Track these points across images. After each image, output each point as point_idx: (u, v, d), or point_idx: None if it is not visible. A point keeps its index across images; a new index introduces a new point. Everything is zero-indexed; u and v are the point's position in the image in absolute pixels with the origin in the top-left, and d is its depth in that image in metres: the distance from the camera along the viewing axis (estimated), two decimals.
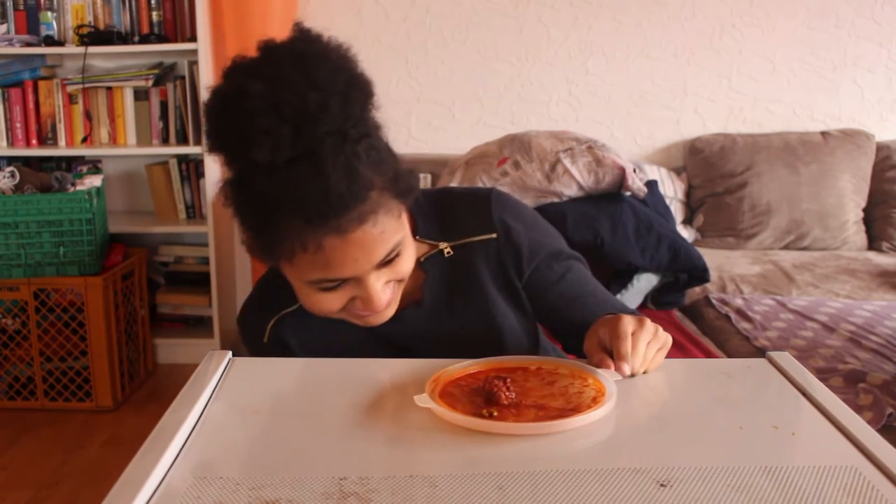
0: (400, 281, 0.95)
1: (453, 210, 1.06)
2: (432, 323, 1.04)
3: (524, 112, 3.05)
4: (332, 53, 0.86)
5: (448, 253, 1.04)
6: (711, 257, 2.63)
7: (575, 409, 0.79)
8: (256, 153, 0.80)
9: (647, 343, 0.88)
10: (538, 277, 1.06)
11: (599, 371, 0.86)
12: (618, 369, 0.86)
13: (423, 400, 0.78)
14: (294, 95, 0.80)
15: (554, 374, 0.87)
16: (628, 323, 0.89)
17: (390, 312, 0.97)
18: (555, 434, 0.74)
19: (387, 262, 0.90)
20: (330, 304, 0.91)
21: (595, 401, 0.80)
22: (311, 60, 0.83)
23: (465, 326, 1.04)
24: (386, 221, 0.87)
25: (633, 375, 0.87)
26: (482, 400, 0.80)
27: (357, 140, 0.83)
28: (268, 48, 0.86)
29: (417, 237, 1.02)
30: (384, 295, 0.92)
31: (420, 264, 1.02)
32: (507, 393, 0.80)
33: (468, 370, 0.87)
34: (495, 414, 0.77)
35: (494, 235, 1.04)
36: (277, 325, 1.05)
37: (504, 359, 0.90)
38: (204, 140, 0.88)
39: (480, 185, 2.39)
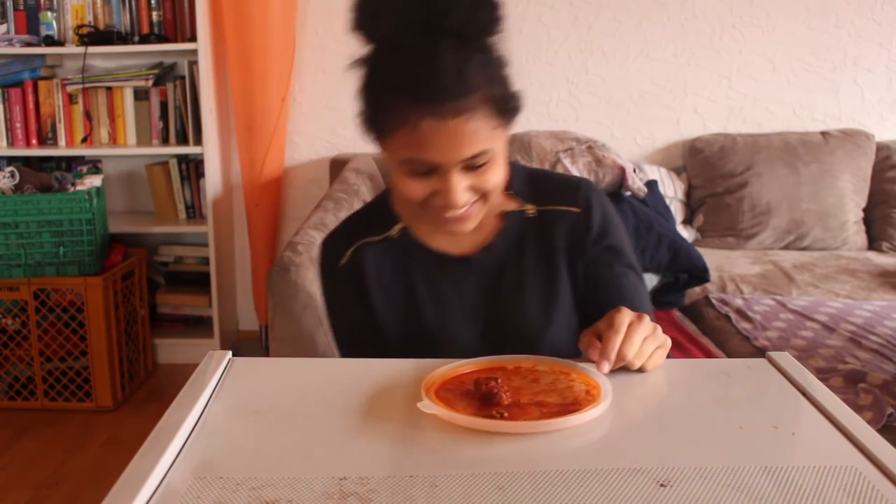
0: (483, 197, 0.99)
1: (546, 180, 1.13)
2: (496, 272, 1.08)
3: (524, 112, 3.03)
4: None
5: (531, 214, 1.10)
6: (711, 257, 2.63)
7: (575, 403, 0.79)
8: (384, 27, 0.91)
9: (645, 338, 0.88)
10: (596, 265, 1.09)
11: (578, 365, 0.87)
12: (598, 362, 0.86)
13: (427, 406, 0.78)
14: None
15: (534, 371, 0.88)
16: (626, 315, 0.90)
17: (470, 225, 1.01)
18: (561, 431, 0.75)
19: (473, 166, 0.95)
20: (414, 189, 0.97)
21: (588, 393, 0.81)
22: None
23: (525, 286, 1.08)
24: (481, 126, 0.92)
25: (633, 369, 0.88)
26: (478, 402, 0.80)
27: (474, 49, 0.92)
28: None
29: (509, 192, 1.09)
30: (463, 196, 0.96)
31: (502, 216, 1.09)
32: (506, 393, 0.80)
33: (455, 372, 0.87)
34: (506, 415, 0.77)
35: (577, 210, 1.09)
36: (360, 249, 1.10)
37: (483, 360, 0.90)
38: (349, 19, 0.94)
39: None
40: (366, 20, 0.93)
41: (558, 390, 0.83)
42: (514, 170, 1.09)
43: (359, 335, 1.12)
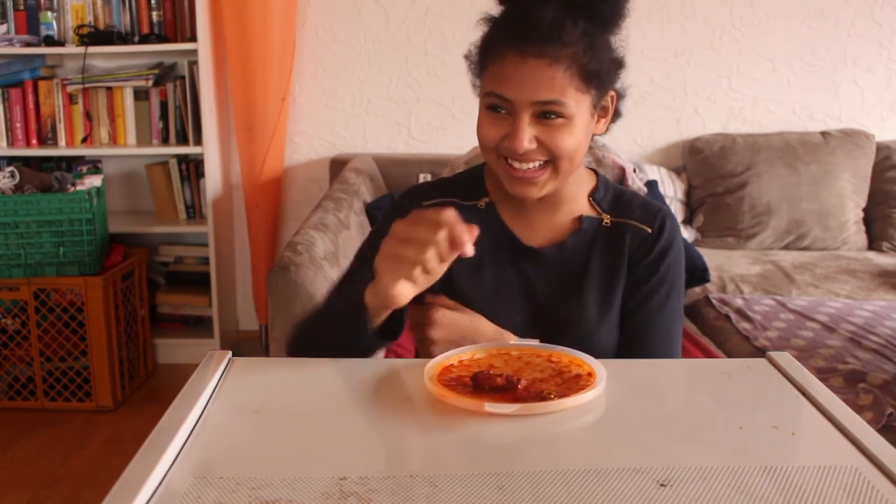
0: (551, 164, 1.01)
1: (630, 198, 1.15)
2: (562, 269, 1.10)
3: None
4: None
5: (606, 223, 1.12)
6: (711, 257, 2.63)
7: (577, 379, 0.83)
8: None
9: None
10: (640, 284, 1.11)
11: (530, 342, 0.93)
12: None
13: (496, 407, 0.77)
14: None
15: (506, 354, 0.91)
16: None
17: (536, 191, 1.04)
18: (563, 421, 0.76)
19: (544, 115, 0.99)
20: (488, 129, 1.02)
21: (577, 365, 0.87)
22: None
23: (585, 289, 1.09)
24: (561, 77, 0.96)
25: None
26: (486, 394, 0.80)
27: (580, 14, 0.97)
28: None
29: (592, 199, 1.13)
30: (528, 143, 0.99)
31: (579, 219, 1.12)
32: (517, 380, 0.82)
33: (445, 363, 0.88)
34: (553, 395, 0.79)
35: (648, 230, 1.11)
36: (447, 205, 1.11)
37: (475, 348, 0.93)
38: None
39: None
40: None
41: (546, 371, 0.86)
42: (602, 183, 1.15)
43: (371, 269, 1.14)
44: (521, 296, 1.11)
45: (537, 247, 1.11)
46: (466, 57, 1.08)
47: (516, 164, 1.01)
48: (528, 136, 0.98)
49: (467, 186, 1.16)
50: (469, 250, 0.86)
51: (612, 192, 1.15)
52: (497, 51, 0.99)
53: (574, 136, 1.00)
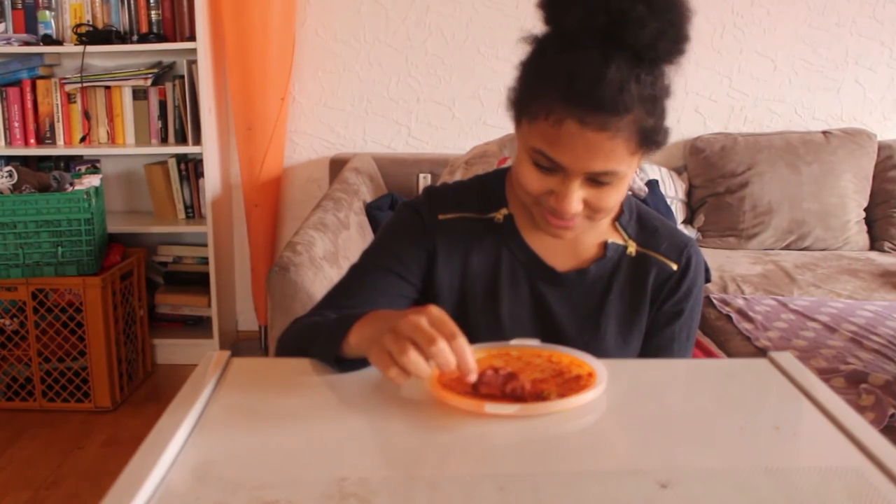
0: (593, 214, 0.97)
1: (657, 225, 1.11)
2: (581, 296, 1.07)
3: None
4: None
5: (630, 253, 1.09)
6: (712, 257, 2.63)
7: (577, 380, 0.82)
8: (569, 18, 0.89)
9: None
10: (667, 328, 1.10)
11: (530, 342, 0.91)
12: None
13: (496, 408, 0.76)
14: None
15: (506, 354, 0.90)
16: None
17: (570, 234, 1.01)
18: (568, 418, 0.75)
19: (596, 182, 0.93)
20: (532, 181, 0.96)
21: (577, 365, 0.86)
22: None
23: (603, 320, 1.07)
24: (620, 147, 0.90)
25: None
26: (489, 396, 0.80)
27: (647, 71, 0.89)
28: None
29: (617, 223, 1.09)
30: (576, 206, 0.95)
31: (604, 245, 1.08)
32: (520, 381, 0.81)
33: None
34: (553, 395, 0.79)
35: (675, 267, 1.08)
36: (448, 223, 1.08)
37: (478, 347, 0.90)
38: None
39: None
40: (556, 4, 0.91)
41: (546, 371, 0.86)
42: (626, 205, 1.09)
43: (378, 277, 1.08)
44: (535, 318, 1.08)
45: (558, 268, 1.07)
46: (509, 91, 0.99)
47: (556, 218, 0.97)
48: (577, 200, 0.94)
49: (486, 195, 1.10)
50: (471, 378, 0.79)
51: (637, 216, 1.11)
52: (551, 110, 0.90)
53: (621, 193, 0.97)
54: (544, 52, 0.93)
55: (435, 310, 0.80)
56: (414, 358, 0.77)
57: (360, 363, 0.87)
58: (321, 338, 0.92)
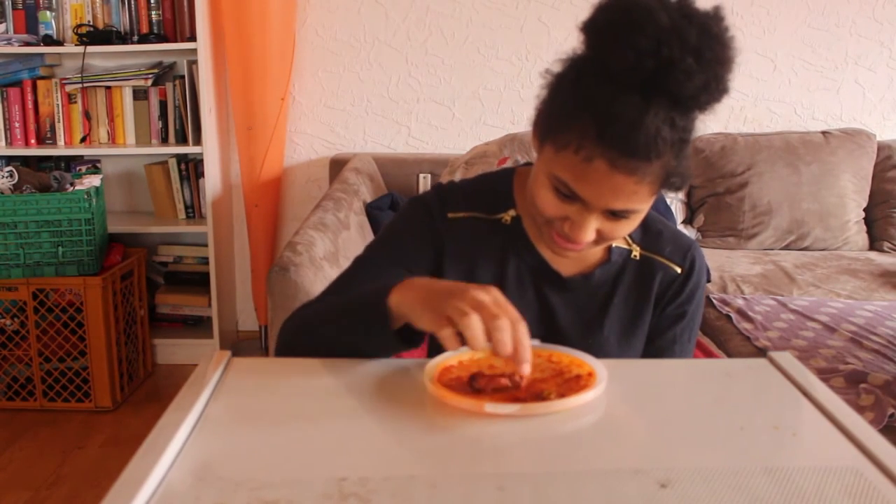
0: (602, 241, 0.98)
1: (660, 228, 1.11)
2: (585, 299, 1.08)
3: (524, 112, 3.04)
4: (732, 42, 0.94)
5: (635, 257, 1.09)
6: (712, 257, 2.63)
7: (577, 379, 0.82)
8: (616, 56, 0.84)
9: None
10: (668, 330, 1.10)
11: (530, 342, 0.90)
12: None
13: (496, 407, 0.76)
14: (679, 45, 0.84)
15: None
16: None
17: (574, 255, 1.02)
18: (569, 418, 0.75)
19: (614, 215, 0.93)
20: (549, 205, 0.95)
21: (577, 365, 0.85)
22: (720, 33, 0.91)
23: (606, 324, 1.08)
24: (644, 190, 0.90)
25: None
26: (486, 394, 0.80)
27: (683, 119, 0.88)
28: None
29: None
30: (590, 236, 0.95)
31: (608, 249, 1.08)
32: (518, 380, 0.81)
33: (445, 363, 0.87)
34: (552, 395, 0.78)
35: (679, 271, 1.09)
36: (457, 221, 1.08)
37: (455, 352, 0.88)
38: (585, 21, 0.90)
39: None
40: (605, 37, 0.87)
41: (546, 371, 0.86)
42: None
43: (385, 268, 1.07)
44: (539, 322, 1.08)
45: (564, 273, 1.07)
46: (537, 111, 0.97)
47: (566, 242, 0.97)
48: (591, 231, 0.94)
49: (494, 194, 1.10)
50: (525, 370, 0.79)
51: (642, 220, 1.11)
52: (581, 145, 0.88)
53: (634, 225, 0.96)
54: (581, 80, 0.89)
55: (497, 291, 0.80)
56: (475, 323, 0.76)
57: (404, 329, 0.86)
58: (354, 305, 0.92)
